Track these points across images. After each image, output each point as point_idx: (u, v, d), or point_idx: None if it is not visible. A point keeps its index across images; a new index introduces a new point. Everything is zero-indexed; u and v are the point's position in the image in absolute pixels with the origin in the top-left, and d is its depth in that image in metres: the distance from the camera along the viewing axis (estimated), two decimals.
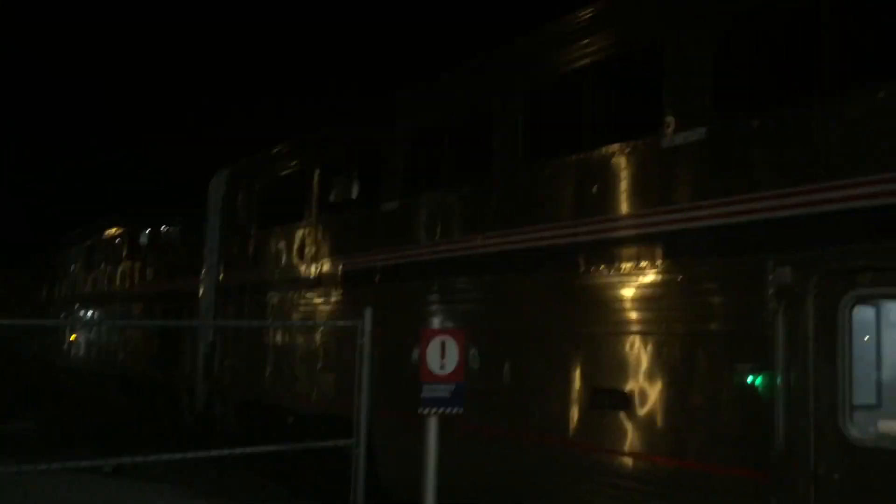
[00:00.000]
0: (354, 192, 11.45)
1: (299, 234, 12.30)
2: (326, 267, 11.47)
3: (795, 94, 5.97)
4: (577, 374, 7.43)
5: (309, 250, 11.97)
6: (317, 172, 12.11)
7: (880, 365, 6.22)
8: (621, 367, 7.00)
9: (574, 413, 7.41)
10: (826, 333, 5.57)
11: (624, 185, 7.18)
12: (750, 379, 5.99)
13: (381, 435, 9.28)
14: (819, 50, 5.78)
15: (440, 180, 9.54)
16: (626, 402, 6.90)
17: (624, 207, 7.18)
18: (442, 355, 5.92)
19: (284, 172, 13.24)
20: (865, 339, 6.03)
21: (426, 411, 5.92)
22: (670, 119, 6.76)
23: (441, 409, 5.94)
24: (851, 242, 5.46)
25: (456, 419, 6.56)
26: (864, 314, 5.98)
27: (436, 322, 6.10)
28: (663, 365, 6.68)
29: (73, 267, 27.90)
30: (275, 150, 13.71)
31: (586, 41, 7.75)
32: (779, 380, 5.77)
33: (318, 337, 11.48)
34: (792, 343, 5.73)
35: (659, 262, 6.79)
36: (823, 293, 5.59)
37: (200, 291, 15.38)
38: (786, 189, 5.86)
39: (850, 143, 5.56)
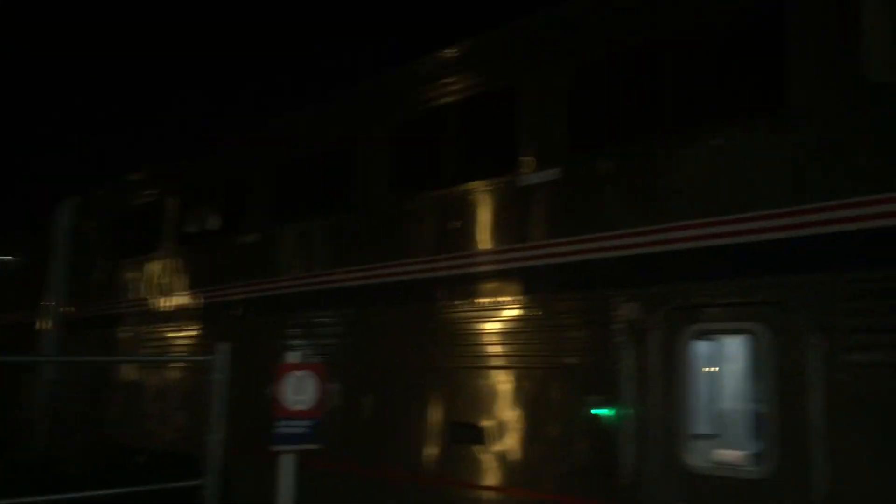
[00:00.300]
0: (215, 223, 11.13)
1: (155, 265, 11.82)
2: (184, 300, 11.07)
3: (641, 137, 6.30)
4: (438, 408, 7.47)
5: (165, 282, 11.52)
6: (174, 202, 11.72)
7: (718, 396, 6.59)
8: (480, 402, 7.10)
9: (434, 448, 7.44)
10: (669, 366, 5.85)
11: (483, 222, 7.34)
12: (600, 411, 6.20)
13: (240, 474, 8.98)
14: (661, 95, 6.14)
15: (303, 212, 9.44)
16: (484, 435, 6.99)
17: (483, 243, 7.33)
18: (299, 390, 5.79)
19: (140, 201, 12.72)
20: (705, 371, 6.38)
21: (280, 448, 5.76)
22: (527, 159, 6.99)
23: (297, 447, 5.79)
24: (691, 280, 5.78)
25: (315, 456, 6.44)
26: (703, 348, 6.33)
27: (295, 356, 5.98)
28: (520, 399, 6.82)
29: None
30: (130, 179, 13.17)
31: (450, 80, 7.92)
32: (626, 412, 6.00)
33: (171, 372, 11.02)
34: (638, 376, 5.98)
35: (516, 297, 6.95)
36: (667, 328, 5.88)
37: (42, 325, 14.46)
38: (631, 228, 6.16)
39: (687, 186, 5.91)
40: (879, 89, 5.06)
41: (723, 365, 6.64)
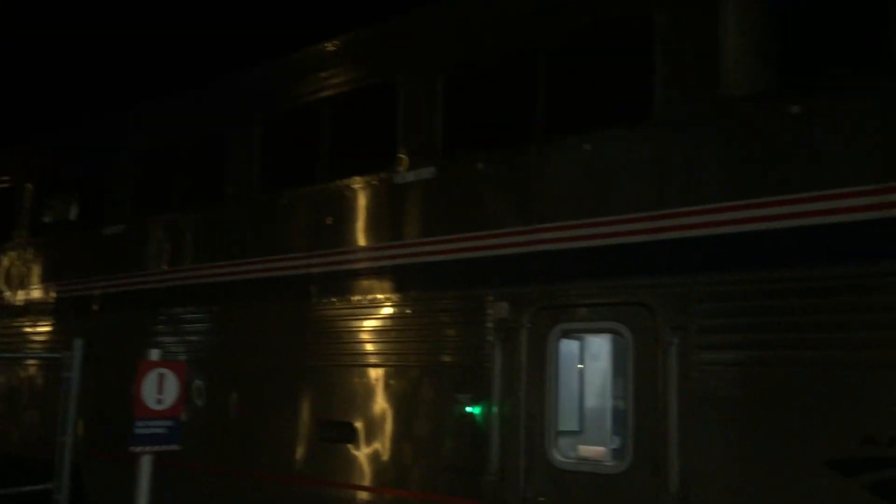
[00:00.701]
0: (74, 213, 10.56)
1: (6, 256, 11.10)
2: (38, 293, 10.45)
3: (514, 139, 6.40)
4: (308, 407, 7.36)
5: (17, 274, 10.83)
6: (30, 189, 11.04)
7: (583, 394, 6.80)
8: (352, 400, 7.04)
9: (304, 448, 7.32)
10: (536, 365, 5.98)
11: (358, 219, 7.28)
12: (469, 409, 6.27)
13: (95, 477, 8.57)
14: (535, 100, 6.26)
15: (172, 204, 9.10)
16: (354, 434, 6.94)
17: (358, 240, 7.27)
18: (159, 389, 5.56)
19: None
20: (571, 370, 6.57)
21: (139, 449, 5.52)
22: (403, 157, 6.99)
23: (156, 447, 5.56)
24: (558, 281, 5.92)
25: (181, 457, 6.21)
26: (570, 347, 6.51)
27: (157, 353, 5.74)
28: (392, 397, 6.80)
29: None
30: None
31: (327, 74, 7.81)
32: (495, 410, 6.09)
33: (22, 371, 10.37)
34: (507, 374, 6.08)
35: (390, 295, 6.94)
36: (535, 327, 6.00)
37: None
38: (502, 229, 6.26)
39: (557, 189, 6.06)
40: (735, 103, 5.33)
41: (588, 363, 6.86)
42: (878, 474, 4.47)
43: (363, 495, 6.88)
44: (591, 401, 6.89)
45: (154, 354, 5.69)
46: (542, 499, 5.81)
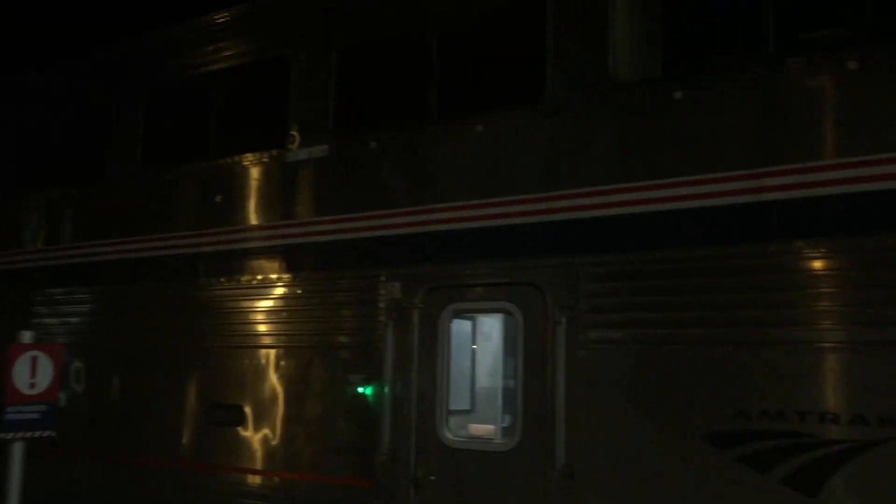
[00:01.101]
0: None
1: None
2: None
3: (408, 119, 6.36)
4: (196, 390, 7.17)
5: None
6: None
7: (476, 373, 6.87)
8: (241, 382, 6.90)
9: (191, 431, 7.13)
10: (428, 345, 5.99)
11: (248, 197, 7.11)
12: (362, 390, 6.24)
13: None
14: (428, 80, 6.23)
15: (50, 180, 8.66)
16: (244, 417, 6.80)
17: (249, 219, 7.10)
18: (32, 373, 5.29)
19: None
20: (463, 349, 6.62)
21: (10, 436, 5.25)
22: (295, 134, 6.85)
23: (29, 434, 5.30)
24: (450, 261, 5.95)
25: (60, 444, 5.95)
26: (462, 327, 6.56)
27: (30, 336, 5.46)
28: (284, 379, 6.70)
29: None
30: None
31: (216, 47, 7.56)
32: (386, 390, 6.08)
33: None
34: (399, 354, 6.07)
35: (281, 275, 6.81)
36: (427, 307, 6.01)
37: None
38: (395, 209, 6.23)
39: (449, 169, 6.07)
40: (623, 87, 5.45)
41: (480, 343, 6.93)
42: (748, 446, 4.68)
43: (253, 479, 6.76)
44: (482, 380, 6.97)
45: (26, 337, 5.41)
46: (432, 477, 5.85)
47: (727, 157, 5.01)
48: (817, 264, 4.66)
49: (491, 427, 6.34)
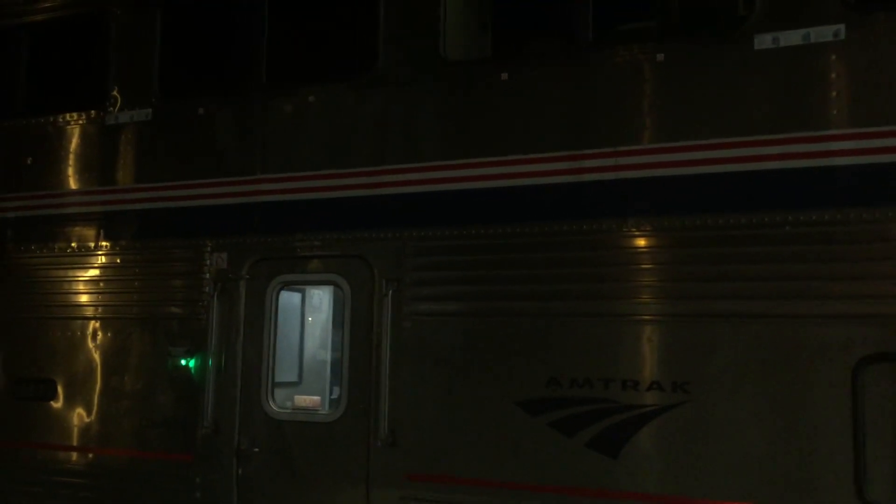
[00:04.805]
0: None
1: None
2: None
3: (238, 86, 6.21)
4: (1, 364, 6.73)
5: None
6: None
7: (303, 345, 6.85)
8: (53, 355, 6.55)
9: None
10: (255, 317, 5.92)
11: (63, 160, 6.72)
12: (185, 362, 6.09)
13: None
14: (260, 46, 6.09)
15: None
16: (55, 391, 6.47)
17: (62, 184, 6.71)
18: None
19: None
20: (291, 321, 6.58)
21: None
22: (116, 96, 6.52)
23: None
24: (278, 232, 5.89)
25: None
26: (291, 299, 6.52)
27: None
28: (101, 351, 6.43)
29: None
30: None
31: None
32: (211, 362, 5.97)
33: None
34: (225, 326, 5.97)
35: (100, 243, 6.50)
36: (254, 278, 5.93)
37: None
38: (222, 178, 6.10)
39: (279, 139, 6.00)
40: (452, 66, 5.57)
41: (310, 315, 6.91)
42: (558, 412, 4.97)
43: (65, 456, 6.45)
44: (311, 352, 6.96)
45: None
46: (256, 449, 5.82)
47: (548, 138, 5.24)
48: (624, 242, 4.99)
49: (316, 398, 6.36)
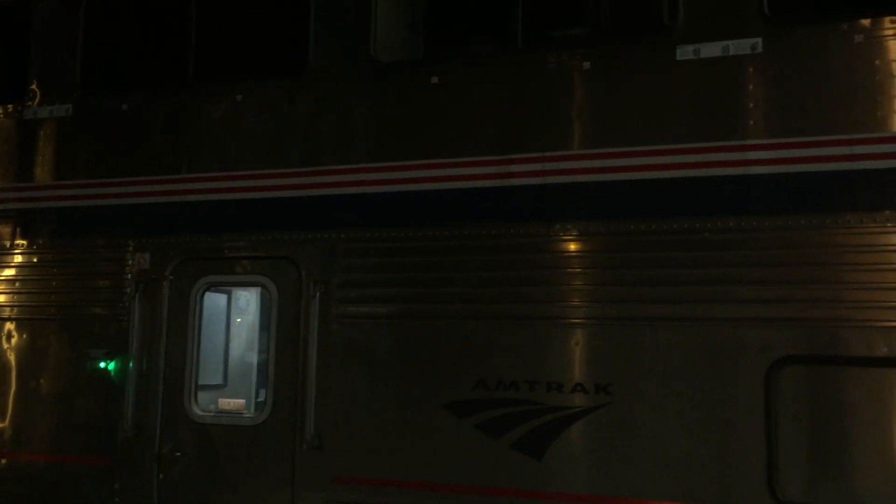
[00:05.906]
0: None
1: None
2: None
3: (164, 83, 6.08)
4: None
5: None
6: None
7: (229, 348, 6.75)
8: None
9: None
10: (178, 318, 5.81)
11: None
12: (104, 365, 5.94)
13: None
14: (187, 42, 5.97)
15: None
16: None
17: None
18: None
19: None
20: (217, 323, 6.48)
21: None
22: (35, 90, 6.32)
23: None
24: (203, 232, 5.79)
25: None
26: (217, 300, 6.41)
27: None
28: (14, 353, 6.22)
29: None
30: None
31: None
32: (132, 365, 5.83)
33: None
34: (147, 328, 5.84)
35: (16, 241, 6.30)
36: (177, 279, 5.82)
37: None
38: (143, 177, 5.97)
39: (206, 138, 5.90)
40: (383, 67, 5.56)
41: (236, 317, 6.81)
42: (485, 414, 5.01)
43: None
44: (237, 355, 6.86)
45: None
46: (178, 453, 5.70)
47: (478, 142, 5.28)
48: (551, 246, 5.05)
49: (241, 401, 6.28)
